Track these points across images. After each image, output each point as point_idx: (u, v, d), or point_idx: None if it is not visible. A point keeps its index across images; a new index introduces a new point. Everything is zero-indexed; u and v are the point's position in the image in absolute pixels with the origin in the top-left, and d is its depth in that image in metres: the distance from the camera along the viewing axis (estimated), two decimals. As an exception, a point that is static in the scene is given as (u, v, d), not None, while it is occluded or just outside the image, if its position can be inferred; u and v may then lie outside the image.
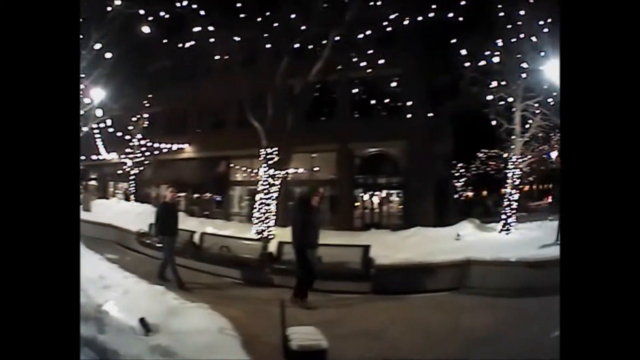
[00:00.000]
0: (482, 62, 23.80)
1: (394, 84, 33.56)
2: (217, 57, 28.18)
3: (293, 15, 25.40)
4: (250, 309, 12.50)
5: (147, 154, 40.84)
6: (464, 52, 24.39)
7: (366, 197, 37.55)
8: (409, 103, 32.18)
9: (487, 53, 23.52)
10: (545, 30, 21.68)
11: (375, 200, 37.51)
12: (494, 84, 24.01)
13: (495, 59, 23.46)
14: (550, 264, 13.20)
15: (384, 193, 37.45)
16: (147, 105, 39.72)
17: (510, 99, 24.54)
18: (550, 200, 51.37)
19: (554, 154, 52.25)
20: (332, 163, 36.09)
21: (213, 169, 40.86)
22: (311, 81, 26.98)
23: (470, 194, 65.98)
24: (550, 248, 15.52)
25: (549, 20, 21.59)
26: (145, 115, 41.26)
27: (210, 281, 16.38)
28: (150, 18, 24.84)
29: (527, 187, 68.03)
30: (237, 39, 26.42)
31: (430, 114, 32.26)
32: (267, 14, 26.35)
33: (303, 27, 25.41)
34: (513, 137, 25.17)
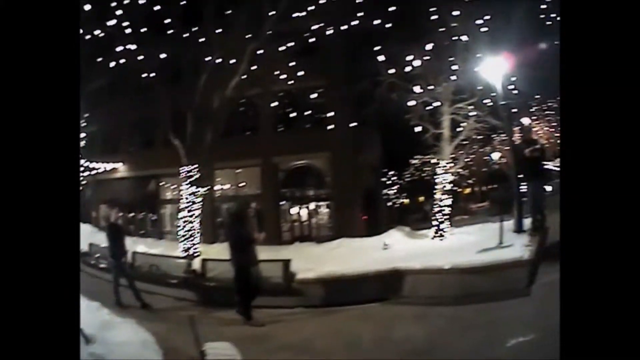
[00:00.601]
0: (408, 68, 23.32)
1: (317, 96, 32.95)
2: (144, 75, 27.41)
3: (219, 30, 24.96)
4: (174, 324, 12.32)
5: (85, 174, 39.75)
6: (389, 58, 23.88)
7: (295, 210, 37.38)
8: (331, 114, 32.15)
9: (411, 58, 23.06)
10: (483, 29, 21.47)
11: (304, 213, 37.33)
12: (419, 89, 23.51)
13: (422, 63, 23.07)
14: (490, 269, 12.77)
15: (312, 205, 37.32)
16: (84, 124, 38.90)
17: (437, 103, 24.03)
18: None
19: (495, 155, 52.73)
20: (257, 178, 36.06)
21: (144, 188, 40.81)
22: (230, 96, 26.27)
23: (406, 200, 66.14)
24: (491, 252, 14.78)
25: (487, 17, 21.36)
26: (82, 135, 40.44)
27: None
28: (88, 37, 23.79)
29: (468, 190, 68.69)
30: (163, 56, 25.76)
31: (354, 124, 31.98)
32: (194, 29, 25.95)
33: (224, 42, 24.91)
34: (441, 142, 24.65)
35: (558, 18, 26.85)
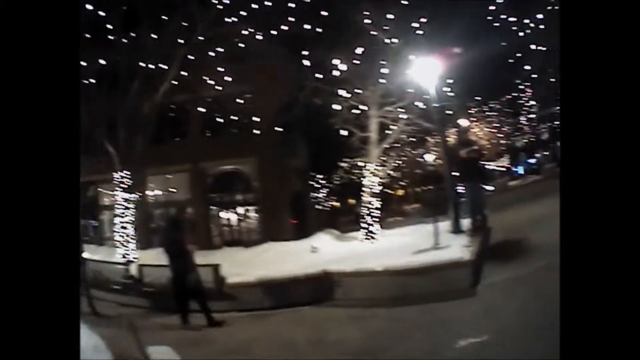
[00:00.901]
0: (336, 72, 23.13)
1: (244, 101, 32.72)
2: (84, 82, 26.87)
3: (154, 36, 24.58)
4: (120, 329, 11.47)
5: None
6: (316, 63, 23.82)
7: (225, 215, 37.19)
8: (257, 119, 32.00)
9: (338, 62, 22.89)
10: (419, 32, 21.49)
11: (233, 217, 37.14)
12: (345, 93, 23.47)
13: (349, 67, 22.94)
14: (428, 270, 12.61)
15: (241, 210, 37.09)
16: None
17: (364, 107, 23.96)
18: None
19: (429, 157, 52.97)
20: (186, 183, 35.85)
21: (84, 195, 38.93)
22: (160, 102, 25.92)
23: (336, 203, 66.04)
24: (427, 253, 14.49)
25: (423, 20, 21.41)
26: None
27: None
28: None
29: (401, 192, 68.87)
30: (102, 62, 25.06)
31: (279, 129, 31.97)
32: (132, 35, 25.26)
33: (156, 47, 24.58)
34: (369, 145, 24.63)
35: (509, 19, 27.24)
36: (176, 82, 25.36)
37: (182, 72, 25.18)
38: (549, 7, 24.93)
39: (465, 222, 16.81)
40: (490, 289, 11.36)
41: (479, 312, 10.05)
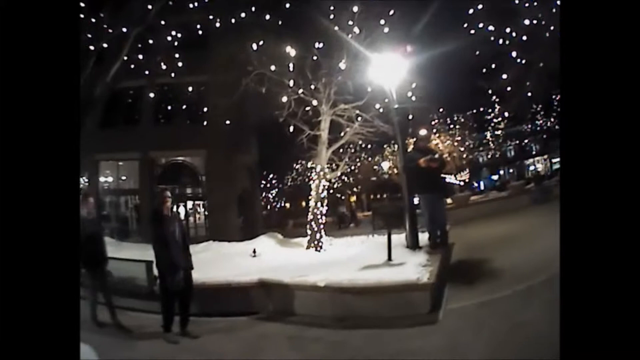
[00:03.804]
0: (290, 65, 21.82)
1: (194, 90, 31.77)
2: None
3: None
4: None
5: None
6: (270, 54, 22.26)
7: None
8: (206, 110, 32.07)
9: (294, 53, 21.70)
10: (386, 30, 20.67)
11: (181, 211, 35.94)
12: (294, 85, 21.98)
13: (305, 58, 21.75)
14: (376, 290, 11.13)
15: (190, 204, 36.81)
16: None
17: (315, 102, 22.43)
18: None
19: (385, 165, 52.28)
20: (136, 172, 35.10)
21: None
22: (111, 83, 24.58)
23: (287, 205, 65.59)
24: (378, 270, 12.87)
25: (382, 22, 20.76)
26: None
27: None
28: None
29: (353, 198, 68.48)
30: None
31: (228, 122, 30.70)
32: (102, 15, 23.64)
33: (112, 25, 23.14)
34: (319, 145, 23.22)
35: (491, 28, 26.17)
36: (132, 66, 24.60)
37: (138, 56, 24.49)
38: (534, 19, 24.03)
39: (423, 237, 15.53)
40: (453, 315, 10.01)
41: (441, 342, 8.63)
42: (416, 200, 15.92)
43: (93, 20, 22.23)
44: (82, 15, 22.07)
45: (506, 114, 45.51)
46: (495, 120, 61.09)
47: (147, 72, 27.55)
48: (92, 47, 22.33)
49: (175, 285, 11.19)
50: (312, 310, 11.79)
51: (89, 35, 22.13)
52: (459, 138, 56.65)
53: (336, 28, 21.18)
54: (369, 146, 30.36)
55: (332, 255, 19.09)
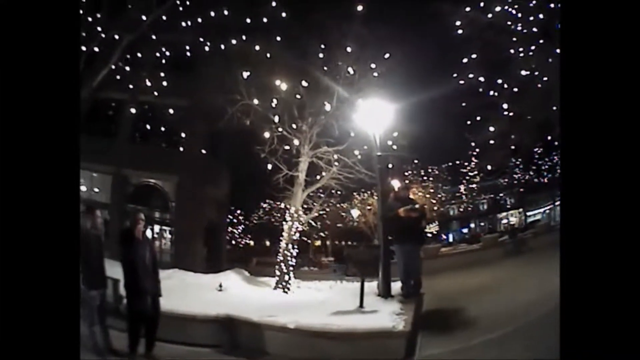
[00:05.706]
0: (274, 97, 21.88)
1: (174, 113, 31.30)
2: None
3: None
4: None
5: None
6: (256, 86, 22.12)
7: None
8: (183, 135, 31.84)
9: (284, 87, 21.66)
10: (373, 66, 20.98)
11: (148, 234, 34.67)
12: (278, 121, 21.94)
13: (291, 95, 21.81)
14: (349, 336, 10.92)
15: (157, 228, 35.97)
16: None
17: (296, 142, 22.33)
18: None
19: (355, 212, 51.95)
20: (108, 186, 34.30)
21: None
22: (95, 91, 24.29)
23: (251, 242, 65.24)
24: (350, 316, 12.64)
25: (371, 64, 20.62)
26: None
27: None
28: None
29: (318, 242, 68.05)
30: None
31: (204, 151, 31.18)
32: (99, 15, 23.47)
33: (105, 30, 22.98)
34: (295, 186, 23.09)
35: (481, 79, 26.02)
36: (118, 77, 24.38)
37: (125, 67, 24.35)
38: (527, 71, 23.99)
39: (394, 286, 15.26)
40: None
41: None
42: (393, 249, 15.67)
43: (89, 19, 22.07)
44: (80, 11, 22.07)
45: (488, 167, 45.93)
46: (470, 173, 61.43)
47: (131, 86, 27.13)
48: (83, 48, 22.10)
49: (142, 309, 11.01)
50: (281, 351, 11.57)
51: (83, 34, 21.94)
52: (432, 190, 56.85)
53: (325, 68, 21.31)
54: (339, 192, 29.82)
55: (300, 298, 19.12)
